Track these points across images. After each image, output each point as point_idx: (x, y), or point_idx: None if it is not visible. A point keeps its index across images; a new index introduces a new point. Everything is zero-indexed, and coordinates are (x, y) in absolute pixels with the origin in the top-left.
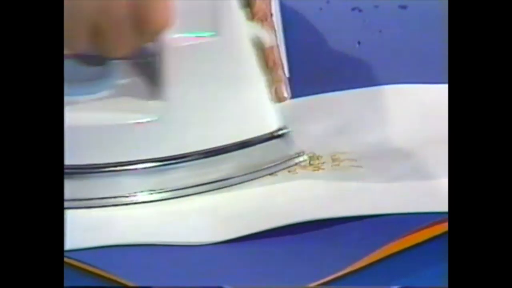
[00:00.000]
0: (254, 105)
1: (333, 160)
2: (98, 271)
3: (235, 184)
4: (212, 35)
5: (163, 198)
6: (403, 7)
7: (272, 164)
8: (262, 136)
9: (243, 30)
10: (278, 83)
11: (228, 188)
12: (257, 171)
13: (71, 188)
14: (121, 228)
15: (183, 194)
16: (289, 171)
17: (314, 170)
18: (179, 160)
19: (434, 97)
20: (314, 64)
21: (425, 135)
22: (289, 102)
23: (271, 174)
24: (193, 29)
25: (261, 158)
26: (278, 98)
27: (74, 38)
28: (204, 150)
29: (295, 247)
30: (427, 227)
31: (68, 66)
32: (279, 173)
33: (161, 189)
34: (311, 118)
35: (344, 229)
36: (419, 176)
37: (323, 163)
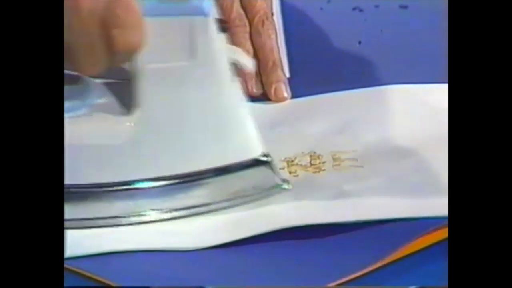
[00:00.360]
0: (234, 131)
1: (334, 159)
2: (97, 277)
3: (211, 211)
4: (187, 59)
5: (131, 222)
6: (404, 7)
7: (252, 193)
8: (241, 162)
9: (220, 54)
10: (278, 83)
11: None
12: (235, 198)
13: None
14: (119, 235)
15: (155, 219)
16: (290, 173)
17: (315, 172)
18: (150, 184)
19: (435, 97)
20: (314, 64)
21: (426, 135)
22: (289, 101)
23: (251, 202)
24: (168, 56)
25: (242, 184)
26: (278, 98)
27: None
28: (177, 174)
29: (295, 253)
30: (428, 233)
31: None
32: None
33: (133, 213)
34: (312, 118)
35: (345, 236)
36: (419, 176)
37: (324, 162)
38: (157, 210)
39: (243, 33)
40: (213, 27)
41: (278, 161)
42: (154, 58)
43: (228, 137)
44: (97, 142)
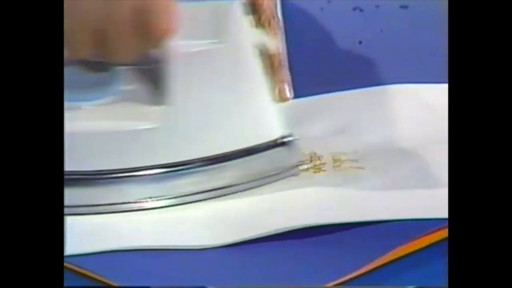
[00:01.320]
0: (258, 112)
1: (334, 160)
2: (97, 276)
3: (238, 192)
4: (216, 42)
5: (168, 204)
6: (404, 7)
7: (276, 172)
8: (266, 143)
9: (247, 37)
10: (281, 84)
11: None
12: (260, 178)
13: (77, 194)
14: (121, 233)
15: (188, 201)
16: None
17: (315, 172)
18: (182, 167)
19: (435, 97)
20: (315, 64)
21: (426, 135)
22: (291, 102)
23: (274, 181)
24: (197, 36)
25: (265, 165)
26: (281, 98)
27: (78, 44)
28: (207, 157)
29: (295, 252)
30: (428, 234)
31: (72, 72)
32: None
33: (165, 196)
34: (313, 118)
35: (344, 236)
36: (420, 177)
37: (324, 163)
38: (192, 193)
39: None
40: (239, 11)
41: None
42: (183, 43)
43: (253, 118)
44: (128, 128)
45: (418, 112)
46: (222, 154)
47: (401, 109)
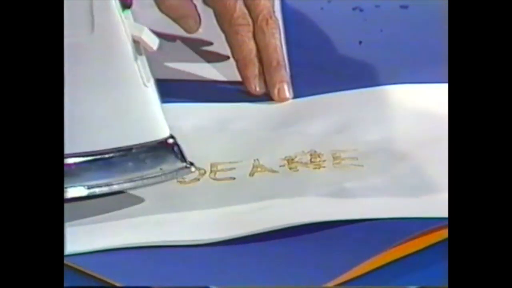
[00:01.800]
0: (138, 111)
1: (334, 158)
2: (97, 275)
3: (112, 191)
4: (85, 33)
5: None
6: (404, 7)
7: (154, 175)
8: (145, 143)
9: (120, 29)
10: (281, 83)
11: (227, 188)
12: (138, 179)
13: None
14: (120, 230)
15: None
16: (290, 168)
17: (315, 168)
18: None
19: (435, 97)
20: (314, 64)
21: (426, 134)
22: (290, 102)
23: (154, 184)
24: (68, 30)
25: (144, 166)
26: (281, 98)
27: None
28: (79, 153)
29: (293, 249)
30: (427, 233)
31: None
32: (280, 171)
33: None
34: (312, 117)
35: (344, 234)
36: (420, 175)
37: (324, 161)
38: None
39: (247, 32)
40: (112, 3)
41: (278, 159)
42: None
43: (131, 117)
44: None
45: (418, 112)
46: (96, 151)
47: (401, 108)
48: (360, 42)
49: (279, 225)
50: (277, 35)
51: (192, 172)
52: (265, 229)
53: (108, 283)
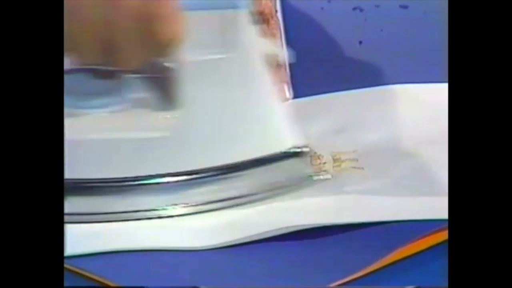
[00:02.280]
0: (270, 122)
1: (334, 160)
2: (93, 276)
3: (250, 202)
4: (224, 51)
5: (181, 213)
6: (404, 6)
7: (288, 183)
8: (278, 153)
9: (255, 46)
10: (281, 84)
11: None
12: (272, 189)
13: (89, 202)
14: (120, 234)
15: (201, 210)
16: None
17: (316, 172)
18: (194, 176)
19: (435, 97)
20: (315, 64)
21: (427, 134)
22: (290, 102)
23: (285, 194)
24: (205, 45)
25: (277, 176)
26: (280, 98)
27: (85, 50)
28: (218, 166)
29: (295, 254)
30: (428, 235)
31: (81, 78)
32: None
33: (178, 204)
34: (312, 118)
35: (344, 236)
36: (420, 177)
37: (324, 163)
38: (190, 204)
39: None
40: (245, 20)
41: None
42: (191, 52)
43: (262, 129)
44: (137, 136)
45: (418, 112)
46: (233, 164)
47: (401, 109)
48: (360, 42)
49: (279, 228)
50: (278, 35)
51: (321, 179)
52: (265, 232)
53: (107, 284)
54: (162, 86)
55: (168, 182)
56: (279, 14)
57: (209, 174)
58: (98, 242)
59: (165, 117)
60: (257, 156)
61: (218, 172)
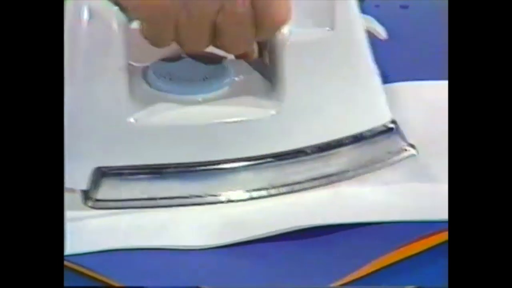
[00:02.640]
0: (368, 98)
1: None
2: (93, 274)
3: (347, 179)
4: (326, 30)
5: (281, 192)
6: (404, 7)
7: (383, 158)
8: (375, 129)
9: (357, 23)
10: None
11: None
12: (369, 165)
13: (195, 184)
14: (122, 232)
15: (299, 189)
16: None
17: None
18: (295, 155)
19: (435, 96)
20: None
21: (427, 133)
22: None
23: (381, 168)
24: (307, 24)
25: (374, 151)
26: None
27: (195, 38)
28: (319, 144)
29: (294, 254)
30: (428, 236)
31: (185, 65)
32: None
33: (278, 184)
34: None
35: (344, 236)
36: (420, 176)
37: None
38: (304, 181)
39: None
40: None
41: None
42: (294, 31)
43: (364, 104)
44: (243, 118)
45: (418, 112)
46: (333, 140)
47: (401, 108)
48: None
49: (280, 229)
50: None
51: (413, 154)
52: (265, 232)
53: (108, 283)
54: (264, 67)
55: (269, 162)
56: None
57: (308, 152)
58: (98, 240)
59: (268, 98)
60: (354, 132)
61: (317, 149)
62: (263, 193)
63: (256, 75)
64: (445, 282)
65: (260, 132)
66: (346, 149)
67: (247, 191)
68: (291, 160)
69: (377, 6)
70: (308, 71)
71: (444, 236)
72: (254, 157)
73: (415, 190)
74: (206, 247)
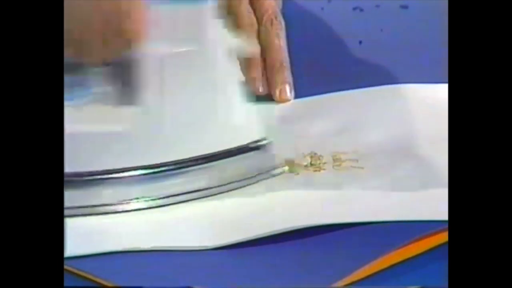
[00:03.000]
0: (232, 116)
1: (334, 160)
2: (90, 276)
3: (210, 196)
4: (189, 45)
5: (147, 206)
6: (404, 7)
7: (250, 176)
8: (239, 147)
9: (220, 40)
10: (283, 85)
11: (226, 193)
12: (232, 182)
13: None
14: (116, 234)
15: (166, 203)
16: (290, 171)
17: (315, 171)
18: (156, 169)
19: (435, 97)
20: (315, 64)
21: (427, 134)
22: (291, 102)
23: (248, 185)
24: (171, 39)
25: (239, 169)
26: (282, 99)
27: None
28: (180, 160)
29: (294, 254)
30: (428, 236)
31: None
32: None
33: (144, 198)
34: (313, 118)
35: (344, 236)
36: (420, 177)
37: (324, 163)
38: (152, 197)
39: (251, 32)
40: (210, 13)
41: (278, 162)
42: (156, 46)
43: (227, 121)
44: (100, 130)
45: (418, 112)
46: (193, 157)
47: (401, 109)
48: (360, 42)
49: (280, 228)
50: (281, 36)
51: (285, 171)
52: (265, 232)
53: (106, 285)
54: (125, 79)
55: (130, 176)
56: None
57: (171, 167)
58: (97, 243)
59: (127, 111)
60: (218, 150)
61: (180, 165)
62: (127, 206)
63: (121, 87)
64: (445, 283)
65: (117, 145)
66: (208, 166)
67: (114, 204)
68: (153, 175)
69: (377, 6)
70: (167, 85)
71: (444, 236)
72: (115, 170)
73: (416, 191)
74: (204, 248)
